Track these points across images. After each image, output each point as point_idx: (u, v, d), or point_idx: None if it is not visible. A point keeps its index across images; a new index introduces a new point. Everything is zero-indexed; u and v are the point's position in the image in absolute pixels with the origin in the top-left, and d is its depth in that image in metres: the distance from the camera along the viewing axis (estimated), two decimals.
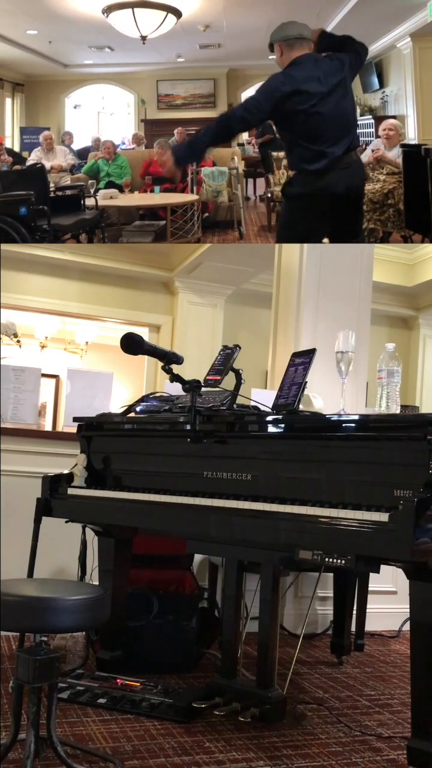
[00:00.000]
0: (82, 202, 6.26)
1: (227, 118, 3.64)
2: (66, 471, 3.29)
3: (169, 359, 2.98)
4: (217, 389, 3.02)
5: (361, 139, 9.22)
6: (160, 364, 3.00)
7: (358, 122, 9.75)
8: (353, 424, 2.55)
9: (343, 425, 2.57)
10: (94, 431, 3.37)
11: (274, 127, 4.04)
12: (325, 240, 3.97)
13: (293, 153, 3.65)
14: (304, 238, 3.98)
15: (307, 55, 3.57)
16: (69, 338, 9.89)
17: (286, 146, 3.79)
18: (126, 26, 8.70)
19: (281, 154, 7.46)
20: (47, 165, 7.64)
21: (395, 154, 5.81)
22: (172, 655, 3.31)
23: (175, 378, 2.90)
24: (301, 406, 2.82)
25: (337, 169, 3.56)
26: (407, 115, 9.22)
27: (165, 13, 8.57)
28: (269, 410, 2.90)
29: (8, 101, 11.54)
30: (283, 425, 2.73)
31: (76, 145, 10.04)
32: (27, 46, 10.21)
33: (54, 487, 3.23)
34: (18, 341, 7.98)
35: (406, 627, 4.11)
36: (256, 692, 2.71)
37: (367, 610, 3.84)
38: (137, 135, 10.74)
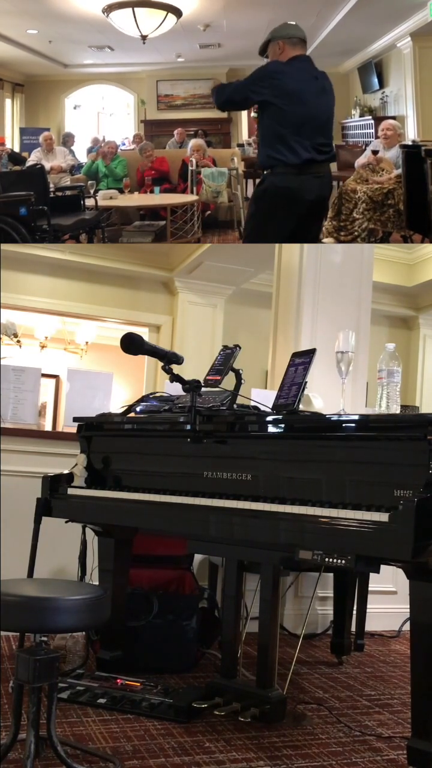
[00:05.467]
0: (81, 202, 6.27)
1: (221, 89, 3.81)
2: (66, 471, 3.29)
3: (169, 359, 2.98)
4: (217, 389, 3.02)
5: (360, 139, 9.28)
6: (160, 364, 3.00)
7: (358, 123, 9.82)
8: (353, 424, 2.55)
9: (343, 425, 2.57)
10: (94, 431, 3.37)
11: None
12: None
13: (272, 147, 3.64)
14: (272, 238, 4.03)
15: (306, 56, 3.68)
16: (69, 338, 9.89)
17: (263, 140, 3.78)
18: (126, 25, 8.70)
19: None
20: (47, 166, 7.64)
21: (394, 155, 5.81)
22: (172, 655, 3.31)
23: (175, 378, 2.90)
24: (301, 406, 2.82)
25: (311, 175, 3.62)
26: (407, 116, 9.22)
27: (165, 12, 8.56)
28: (269, 410, 2.90)
29: (8, 101, 11.54)
30: (283, 425, 2.73)
31: (78, 146, 10.04)
32: (27, 46, 10.21)
33: (54, 487, 3.23)
34: (18, 341, 7.99)
35: (406, 627, 4.11)
36: (256, 692, 2.71)
37: (367, 610, 3.84)
38: (138, 136, 10.74)
